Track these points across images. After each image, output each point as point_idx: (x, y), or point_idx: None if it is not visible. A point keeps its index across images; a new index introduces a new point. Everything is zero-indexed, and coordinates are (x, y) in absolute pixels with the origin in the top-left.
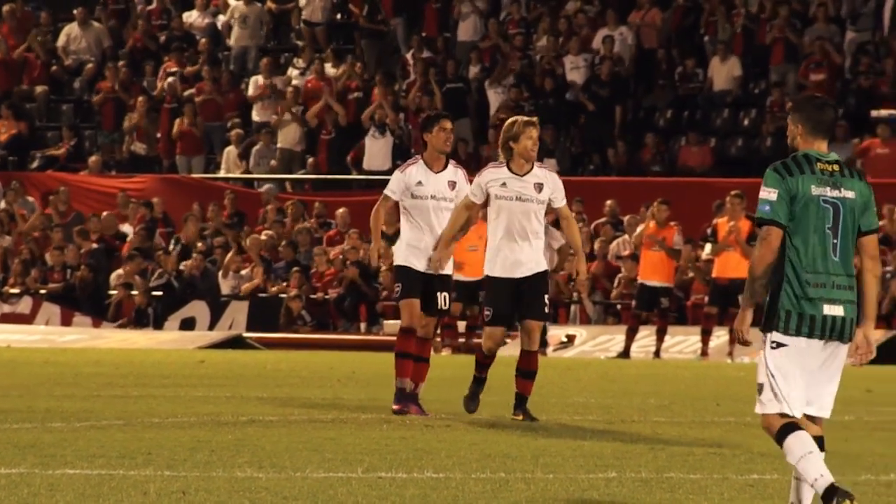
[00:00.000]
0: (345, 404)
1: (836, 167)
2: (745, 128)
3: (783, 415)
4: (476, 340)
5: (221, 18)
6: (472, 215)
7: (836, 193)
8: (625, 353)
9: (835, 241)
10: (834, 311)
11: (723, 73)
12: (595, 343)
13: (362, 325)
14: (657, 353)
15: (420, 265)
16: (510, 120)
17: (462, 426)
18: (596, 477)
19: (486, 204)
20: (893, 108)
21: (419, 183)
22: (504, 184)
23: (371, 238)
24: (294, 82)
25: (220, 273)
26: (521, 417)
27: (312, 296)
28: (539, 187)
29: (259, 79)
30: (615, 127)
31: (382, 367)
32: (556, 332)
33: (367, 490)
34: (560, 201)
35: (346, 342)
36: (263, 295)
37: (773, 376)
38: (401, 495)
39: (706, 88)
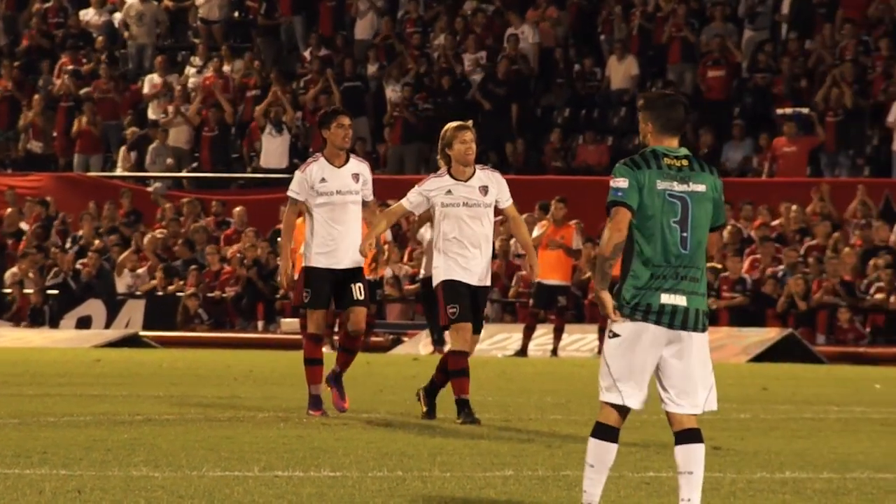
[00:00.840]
0: (242, 403)
1: (685, 162)
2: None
3: (619, 407)
4: (375, 339)
5: (118, 16)
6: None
7: (683, 188)
8: (522, 352)
9: (684, 234)
10: (675, 300)
11: (620, 72)
12: (493, 341)
13: (259, 324)
14: (554, 352)
15: (329, 263)
16: (445, 127)
17: (359, 424)
18: (493, 475)
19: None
20: (791, 106)
21: (322, 180)
22: (449, 191)
23: (281, 253)
24: (191, 80)
25: (116, 272)
26: (460, 420)
27: (209, 294)
28: (484, 190)
29: (154, 77)
30: (513, 125)
31: (279, 365)
32: None
33: (264, 489)
34: (506, 202)
35: (243, 340)
36: (160, 293)
37: (609, 365)
38: (297, 494)
39: (604, 87)
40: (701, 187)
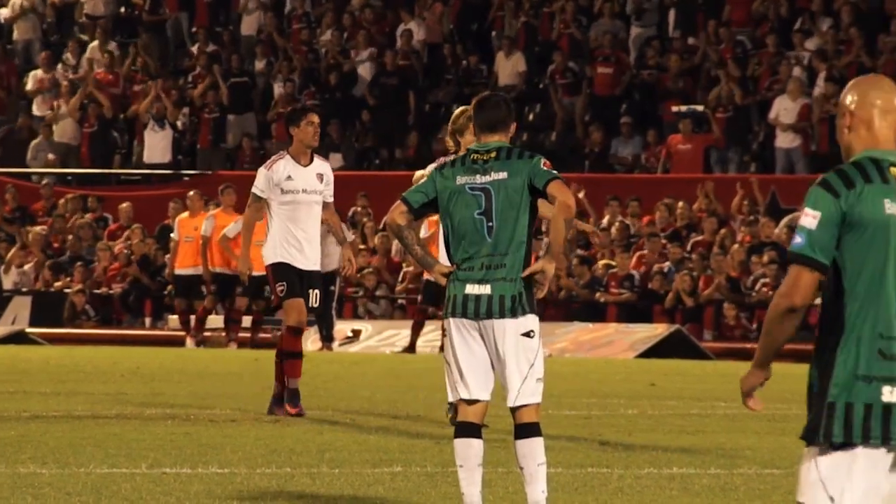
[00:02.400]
0: (129, 400)
1: (492, 155)
2: (530, 122)
3: (471, 401)
4: (264, 335)
5: (4, 12)
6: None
7: (485, 179)
8: (410, 348)
9: (489, 224)
10: (478, 290)
11: (507, 68)
12: (381, 338)
13: (147, 320)
14: (442, 348)
15: (296, 261)
16: (458, 112)
17: (248, 421)
18: (381, 471)
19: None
20: (679, 103)
21: (289, 178)
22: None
23: (243, 249)
24: (76, 76)
25: (3, 268)
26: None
27: (96, 291)
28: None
29: (39, 73)
30: (403, 122)
31: (167, 361)
32: (342, 327)
33: (152, 486)
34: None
35: (130, 337)
36: (47, 290)
37: (447, 363)
38: (185, 491)
39: (491, 83)
40: (501, 175)
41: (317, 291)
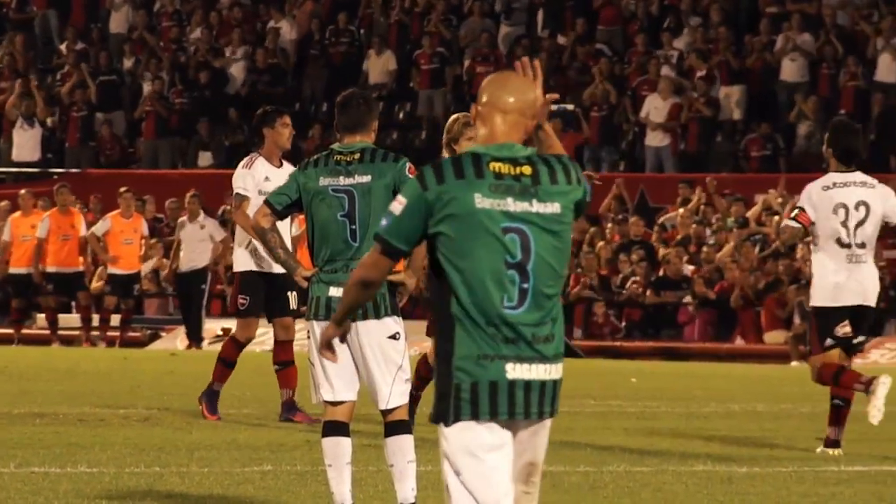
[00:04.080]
0: None
1: (356, 156)
2: (400, 121)
3: (333, 403)
4: (133, 334)
5: None
6: None
7: (349, 181)
8: None
9: (353, 227)
10: (341, 292)
11: (378, 66)
12: None
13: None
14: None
15: (271, 267)
16: (452, 119)
17: (117, 420)
18: (251, 470)
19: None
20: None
21: (266, 179)
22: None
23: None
24: None
25: None
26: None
27: None
28: None
29: None
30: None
31: (34, 361)
32: (212, 326)
33: (20, 485)
34: None
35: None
36: None
37: (312, 364)
38: (54, 490)
39: (362, 81)
40: (365, 178)
41: (294, 294)
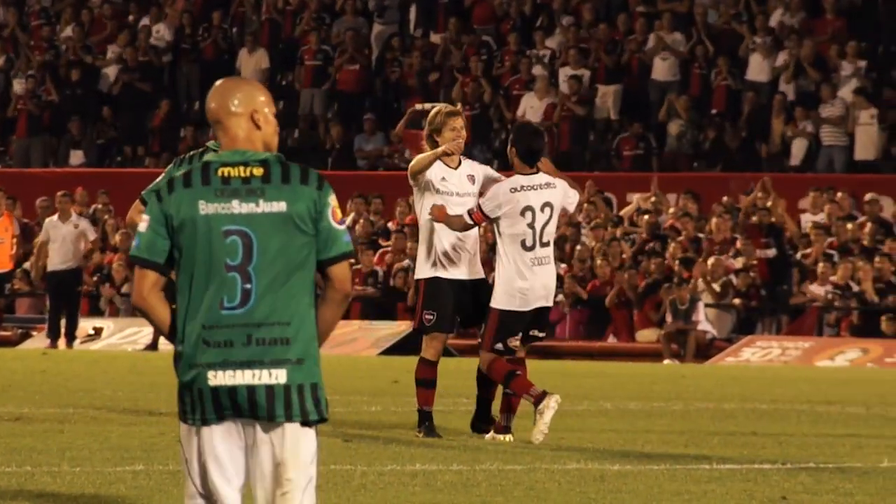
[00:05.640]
0: None
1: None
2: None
3: None
4: (3, 333)
5: None
6: None
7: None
8: (153, 346)
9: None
10: None
11: (251, 64)
12: (122, 335)
13: None
14: None
15: None
16: (434, 111)
17: None
18: (123, 470)
19: None
20: (423, 101)
21: None
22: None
23: None
24: None
25: None
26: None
27: None
28: None
29: None
30: (145, 119)
31: None
32: (84, 324)
33: None
34: None
35: None
36: None
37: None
38: None
39: None
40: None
41: None
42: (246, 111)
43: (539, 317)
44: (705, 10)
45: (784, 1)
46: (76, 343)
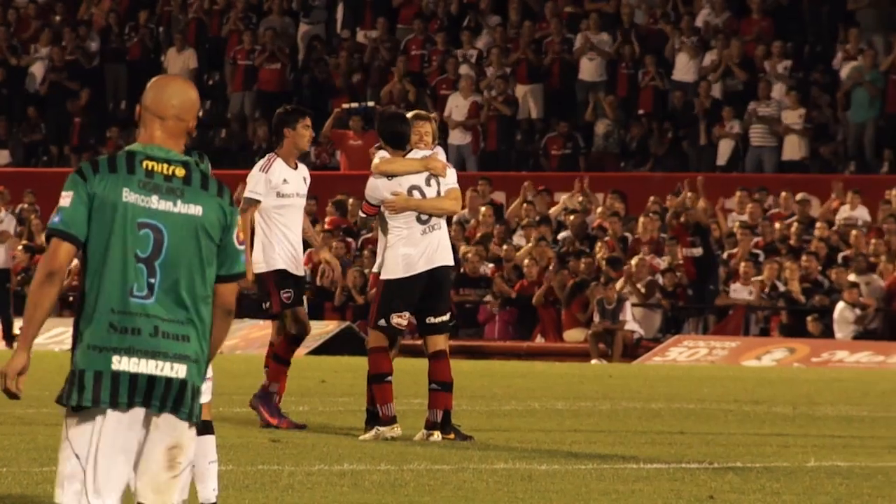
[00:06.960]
0: None
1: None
2: (201, 120)
3: None
4: None
5: None
6: None
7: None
8: None
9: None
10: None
11: (179, 63)
12: (49, 335)
13: None
14: None
15: (293, 268)
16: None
17: None
18: (50, 470)
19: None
20: (349, 100)
21: (285, 181)
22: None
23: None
24: None
25: None
26: (452, 436)
27: None
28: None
29: None
30: (72, 118)
31: None
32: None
33: None
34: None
35: None
36: None
37: None
38: None
39: None
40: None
41: (306, 294)
42: (188, 117)
43: (434, 300)
44: (632, 11)
45: (710, 1)
46: (15, 345)
